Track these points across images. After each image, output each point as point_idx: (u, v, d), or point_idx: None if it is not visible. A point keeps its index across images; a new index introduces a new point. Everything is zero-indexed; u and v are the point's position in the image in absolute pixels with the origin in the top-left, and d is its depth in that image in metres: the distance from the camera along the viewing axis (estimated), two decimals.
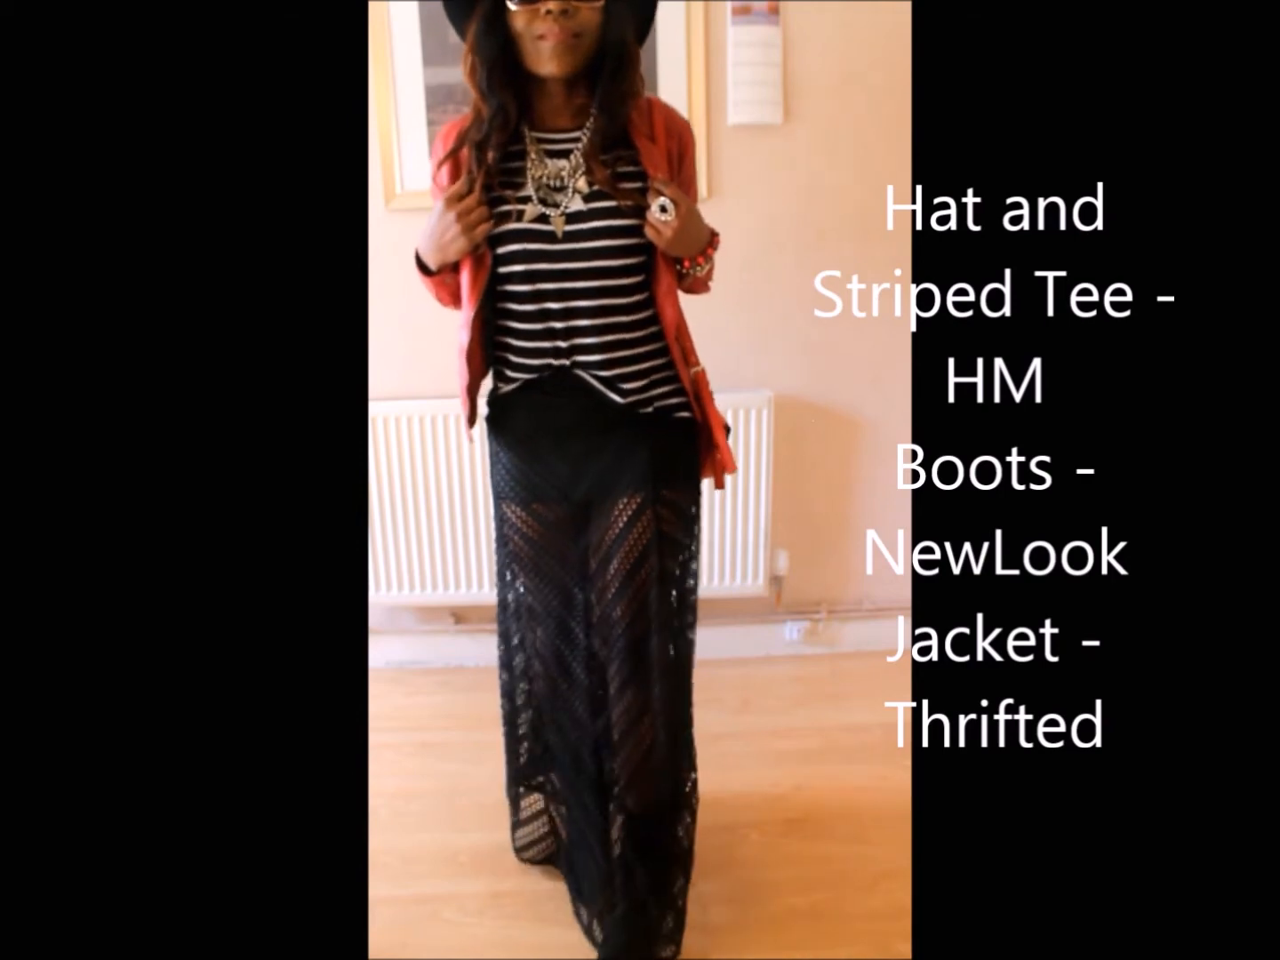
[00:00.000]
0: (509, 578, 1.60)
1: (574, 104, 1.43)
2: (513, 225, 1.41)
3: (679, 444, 1.52)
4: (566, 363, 1.46)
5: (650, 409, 1.49)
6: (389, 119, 2.27)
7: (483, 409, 1.55)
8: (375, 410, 2.35)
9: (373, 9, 2.18)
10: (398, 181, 2.31)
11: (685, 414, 1.51)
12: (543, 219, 1.41)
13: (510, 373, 1.51)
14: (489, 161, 1.41)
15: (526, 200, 1.42)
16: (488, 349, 1.52)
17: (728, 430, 1.56)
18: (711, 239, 1.46)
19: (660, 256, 1.43)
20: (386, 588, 2.46)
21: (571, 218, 1.41)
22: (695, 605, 1.62)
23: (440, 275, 1.47)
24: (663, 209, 1.39)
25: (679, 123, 1.49)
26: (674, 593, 1.55)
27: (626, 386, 1.47)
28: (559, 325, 1.44)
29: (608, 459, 1.48)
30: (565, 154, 1.43)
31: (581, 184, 1.42)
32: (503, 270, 1.44)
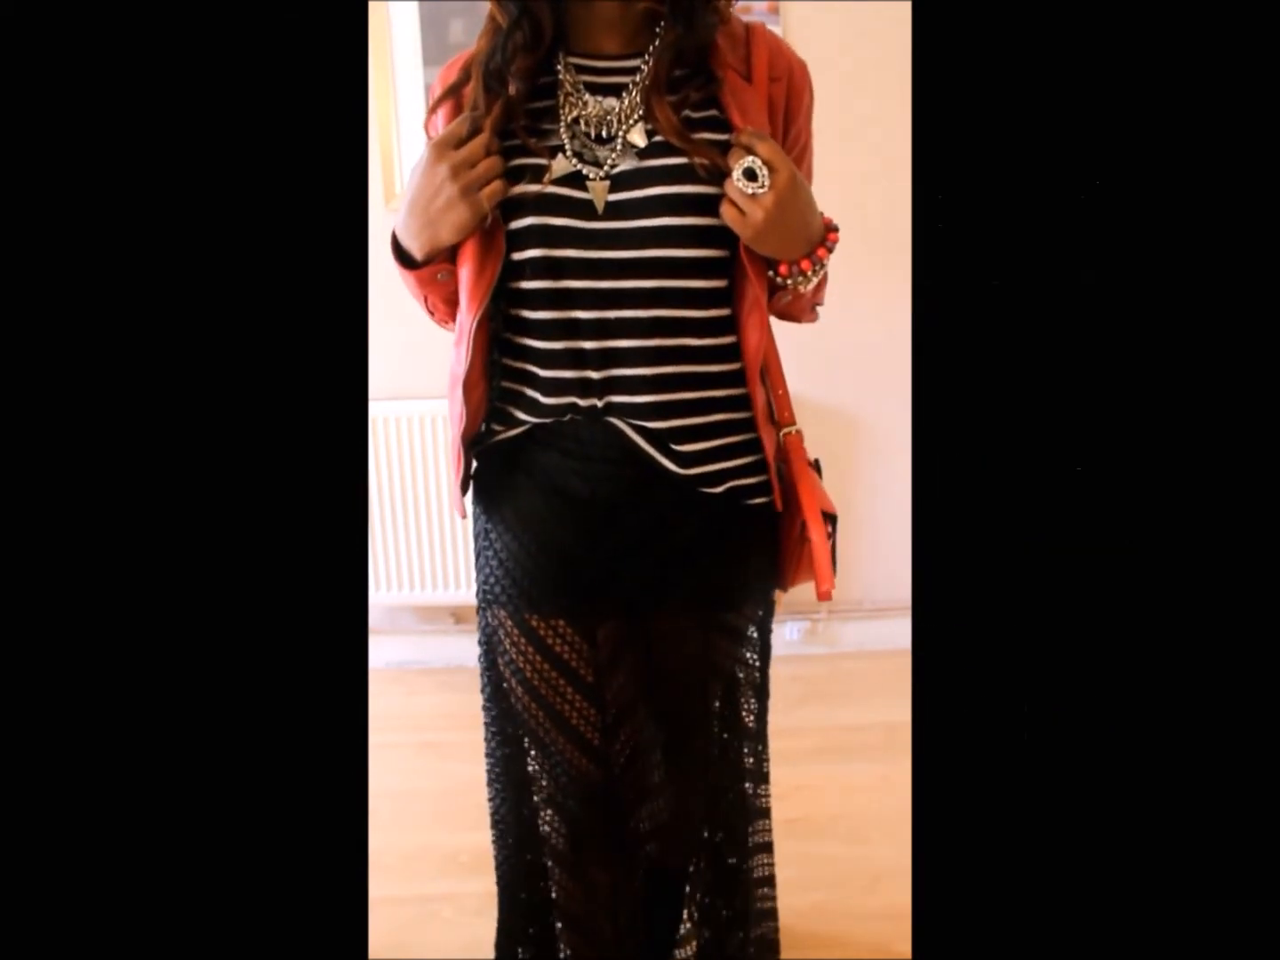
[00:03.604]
0: (498, 725, 1.11)
1: (632, 18, 0.95)
2: (529, 188, 0.93)
3: (751, 547, 1.06)
4: (597, 404, 0.97)
5: (720, 489, 1.00)
6: (389, 119, 2.27)
7: None
8: (375, 410, 2.35)
9: (373, 9, 2.19)
10: (398, 181, 2.31)
11: (762, 499, 1.03)
12: (575, 180, 0.93)
13: (515, 411, 1.01)
14: (510, 94, 0.93)
15: (556, 151, 0.93)
16: (494, 378, 1.03)
17: (832, 521, 1.05)
18: (825, 236, 0.96)
19: (745, 253, 0.94)
20: (386, 588, 2.46)
21: (619, 182, 0.93)
22: (756, 760, 1.19)
23: (430, 268, 0.97)
24: (749, 175, 0.88)
25: (790, 60, 0.98)
26: (725, 744, 1.14)
27: (686, 450, 0.98)
28: (589, 346, 0.96)
29: (652, 561, 1.02)
30: (617, 90, 0.95)
31: (637, 135, 0.93)
32: (516, 257, 0.95)
